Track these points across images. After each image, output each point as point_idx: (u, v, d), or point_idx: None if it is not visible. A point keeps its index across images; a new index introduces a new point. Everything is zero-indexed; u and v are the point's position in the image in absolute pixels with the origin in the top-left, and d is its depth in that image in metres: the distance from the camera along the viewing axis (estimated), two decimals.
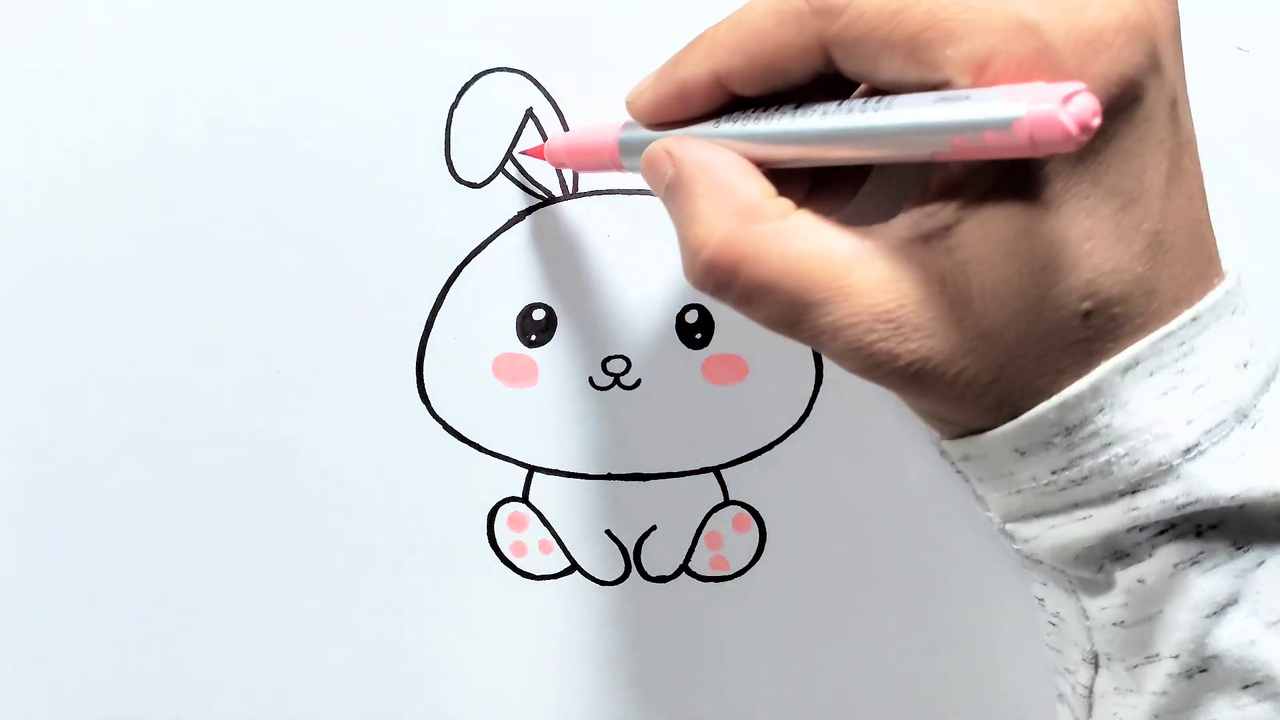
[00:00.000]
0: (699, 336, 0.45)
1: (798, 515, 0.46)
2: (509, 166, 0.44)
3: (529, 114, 0.43)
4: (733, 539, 0.47)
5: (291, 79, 0.43)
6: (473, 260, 0.44)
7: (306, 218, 0.44)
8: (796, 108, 0.33)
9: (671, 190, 0.34)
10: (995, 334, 0.31)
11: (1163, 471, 0.32)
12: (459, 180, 0.44)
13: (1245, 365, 0.33)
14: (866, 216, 0.34)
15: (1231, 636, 0.33)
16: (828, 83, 0.33)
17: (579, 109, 0.43)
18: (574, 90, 0.43)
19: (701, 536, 0.47)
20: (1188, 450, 0.32)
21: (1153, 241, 0.31)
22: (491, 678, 0.48)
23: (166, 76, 0.43)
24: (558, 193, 0.44)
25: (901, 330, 0.31)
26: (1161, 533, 0.33)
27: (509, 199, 0.44)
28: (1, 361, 0.46)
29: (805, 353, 0.45)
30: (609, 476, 0.46)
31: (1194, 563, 0.33)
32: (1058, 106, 0.27)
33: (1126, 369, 0.32)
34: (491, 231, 0.44)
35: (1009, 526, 0.36)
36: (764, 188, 0.33)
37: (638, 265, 0.44)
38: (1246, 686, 0.33)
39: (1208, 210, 0.34)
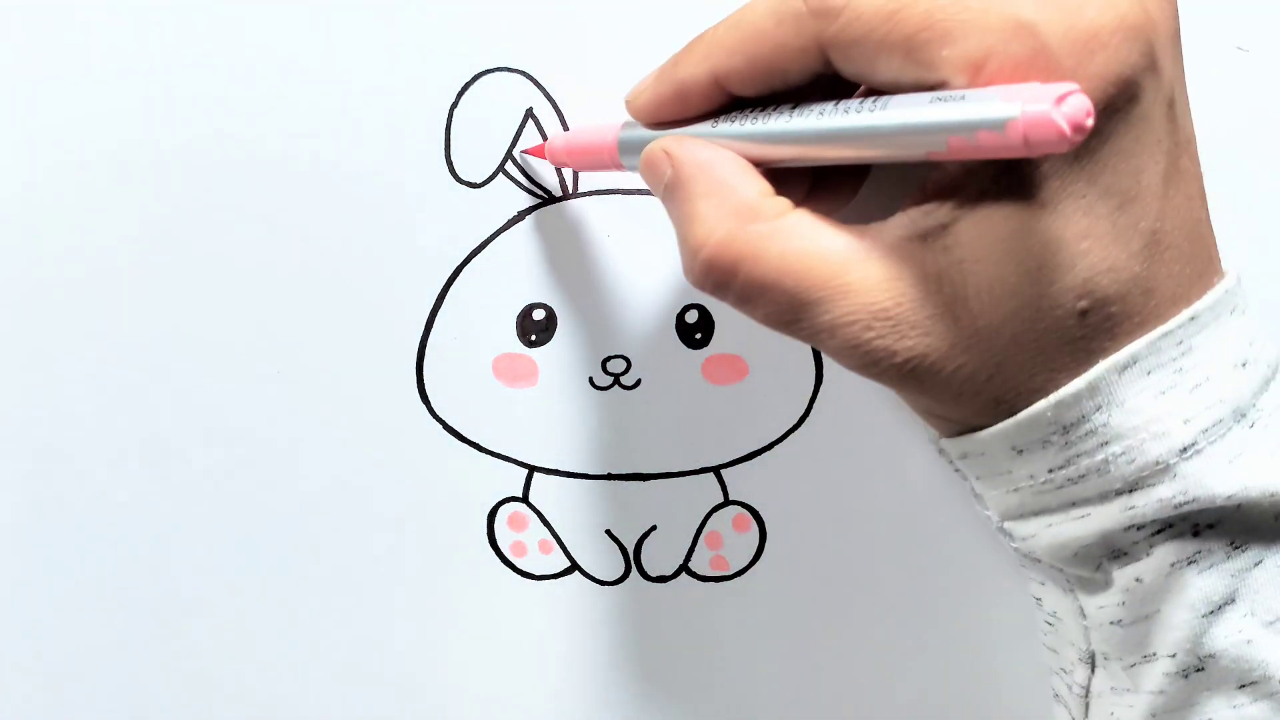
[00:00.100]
0: (699, 336, 0.45)
1: (798, 515, 0.46)
2: (509, 166, 0.44)
3: (529, 114, 0.43)
4: (733, 539, 0.47)
5: (291, 79, 0.43)
6: (473, 260, 0.44)
7: (306, 218, 0.44)
8: (794, 108, 0.33)
9: (670, 190, 0.35)
10: (992, 332, 0.31)
11: (1160, 470, 0.32)
12: (459, 180, 0.44)
13: (1244, 365, 0.33)
14: (866, 216, 0.34)
15: (1228, 636, 0.33)
16: (826, 83, 0.33)
17: (579, 109, 0.43)
18: (574, 90, 0.43)
19: (701, 536, 0.47)
20: (1185, 449, 0.32)
21: (1150, 241, 0.31)
22: (491, 678, 0.48)
23: (166, 76, 0.43)
24: (558, 193, 0.44)
25: (899, 328, 0.32)
26: (1159, 532, 0.33)
27: (509, 199, 0.44)
28: (3, 362, 0.46)
29: (805, 352, 0.45)
30: (609, 476, 0.46)
31: (1191, 562, 0.33)
32: (1051, 107, 0.27)
33: (1124, 368, 0.32)
34: (491, 231, 0.44)
35: (1007, 525, 0.36)
36: (762, 187, 0.33)
37: (638, 265, 0.44)
38: (1243, 686, 0.33)
39: (1207, 210, 0.34)
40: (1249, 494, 0.32)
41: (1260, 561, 0.33)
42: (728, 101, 0.35)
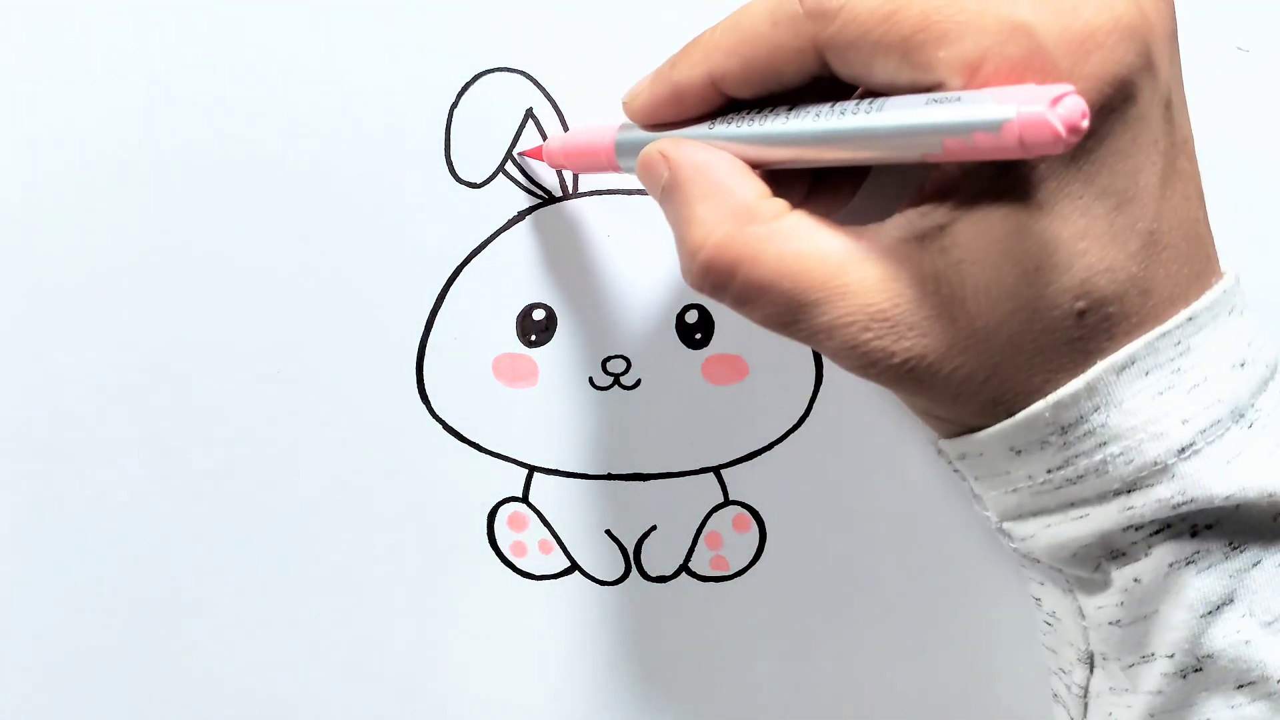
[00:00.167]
0: (699, 336, 0.45)
1: (798, 515, 0.46)
2: (509, 166, 0.44)
3: (529, 114, 0.43)
4: (733, 539, 0.47)
5: (291, 79, 0.43)
6: (473, 260, 0.44)
7: (306, 218, 0.44)
8: (790, 110, 0.33)
9: (667, 192, 0.35)
10: (989, 333, 0.31)
11: (1158, 471, 0.32)
12: (459, 180, 0.44)
13: (1242, 365, 0.33)
14: (865, 217, 0.34)
15: (1226, 636, 0.33)
16: (823, 86, 0.33)
17: (579, 109, 0.43)
18: (574, 90, 0.43)
19: (701, 536, 0.47)
20: (1183, 450, 0.32)
21: (1147, 241, 0.31)
22: (491, 678, 0.48)
23: (166, 77, 0.44)
24: (558, 193, 0.44)
25: (896, 329, 0.32)
26: (1157, 532, 0.33)
27: (509, 199, 0.44)
28: (3, 362, 0.46)
29: (805, 353, 0.45)
30: (609, 476, 0.46)
31: (1189, 562, 0.33)
32: (1046, 109, 0.27)
33: (1122, 368, 0.32)
34: (491, 231, 0.44)
35: (1006, 525, 0.36)
36: (759, 188, 0.33)
37: (638, 265, 0.44)
38: (1241, 686, 0.33)
39: (1205, 210, 0.34)
40: (1247, 494, 0.32)
41: (1258, 562, 0.33)
42: (724, 103, 0.35)
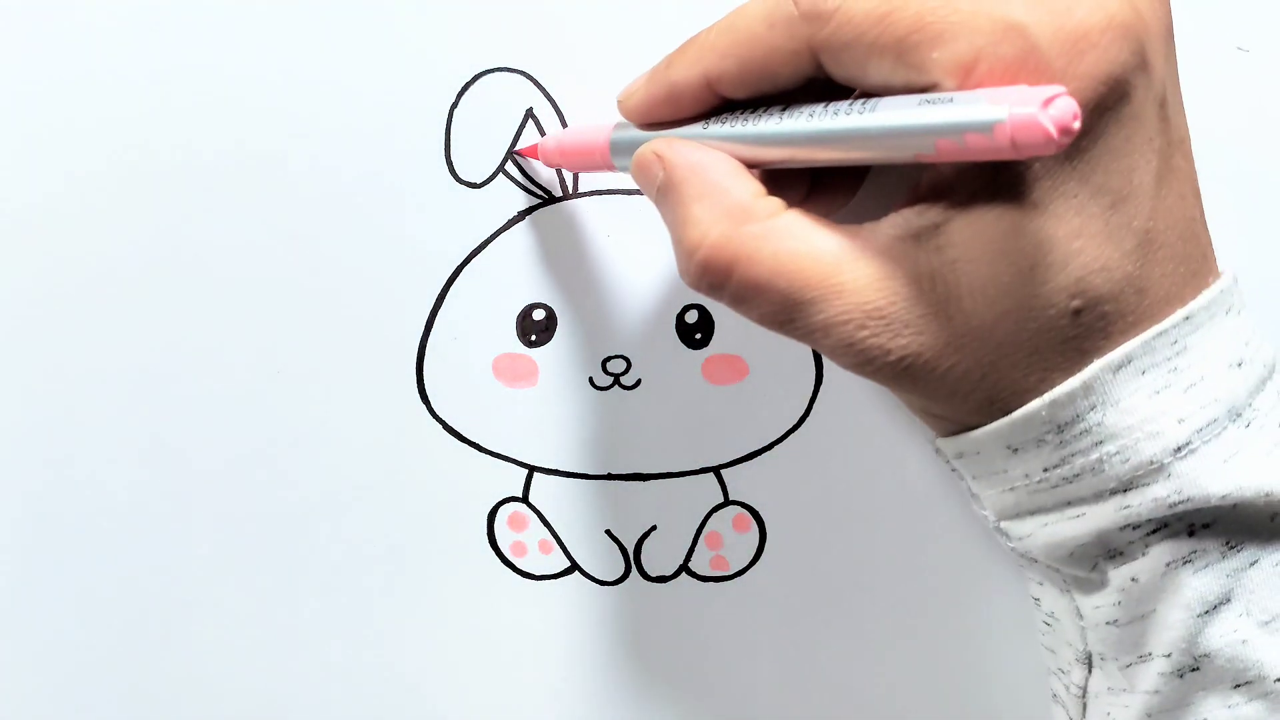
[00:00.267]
0: (699, 336, 0.45)
1: (798, 515, 0.46)
2: (509, 166, 0.44)
3: (529, 114, 0.43)
4: (733, 539, 0.47)
5: (291, 80, 0.43)
6: (473, 260, 0.44)
7: (306, 218, 0.44)
8: (784, 109, 0.33)
9: (663, 193, 0.35)
10: (985, 331, 0.31)
11: (1154, 470, 0.32)
12: (459, 180, 0.44)
13: (1240, 364, 0.33)
14: (864, 216, 0.34)
15: (1223, 636, 0.33)
16: (819, 87, 0.33)
17: (579, 109, 0.43)
18: (574, 90, 0.43)
19: (701, 536, 0.47)
20: (1179, 449, 0.32)
21: (1143, 240, 0.31)
22: (492, 678, 0.48)
23: (165, 78, 0.44)
24: (558, 193, 0.44)
25: (892, 326, 0.32)
26: (1154, 531, 0.33)
27: (509, 199, 0.44)
28: (4, 362, 0.46)
29: (805, 353, 0.45)
30: (609, 476, 0.46)
31: (1186, 562, 0.33)
32: (1038, 110, 0.27)
33: (1118, 367, 0.32)
34: (491, 231, 0.44)
35: (1003, 524, 0.36)
36: (754, 188, 0.33)
37: (638, 265, 0.44)
38: (1238, 685, 0.33)
39: (1201, 209, 0.34)
40: (1244, 494, 0.32)
41: (1255, 561, 0.33)
42: (719, 104, 0.35)
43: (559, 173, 0.44)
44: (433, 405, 0.46)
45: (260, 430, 0.46)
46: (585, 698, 0.48)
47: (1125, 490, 0.32)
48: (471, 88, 0.43)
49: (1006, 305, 0.31)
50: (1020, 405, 0.32)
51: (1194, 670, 0.33)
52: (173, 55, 0.43)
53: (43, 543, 0.48)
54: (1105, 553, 0.34)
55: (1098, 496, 0.33)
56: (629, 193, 0.44)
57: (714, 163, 0.34)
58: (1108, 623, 0.35)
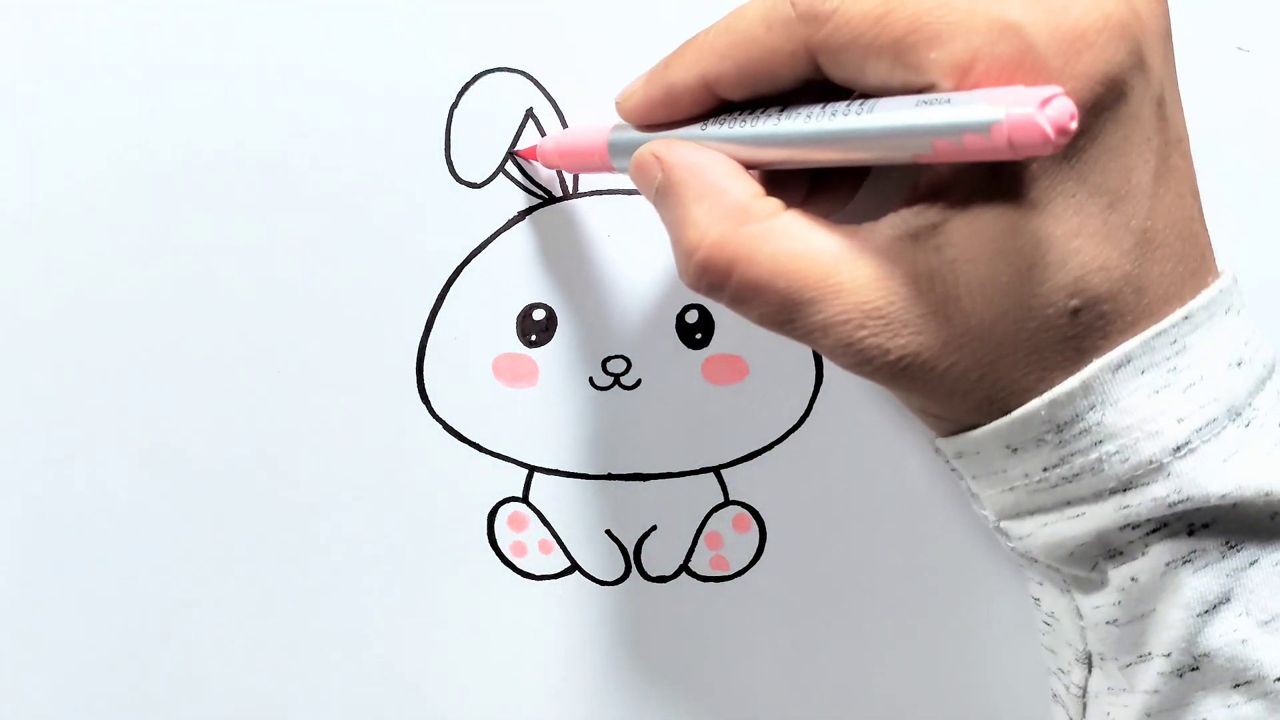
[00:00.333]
0: (699, 336, 0.45)
1: (798, 515, 0.46)
2: (509, 166, 0.44)
3: (529, 114, 0.43)
4: (733, 539, 0.47)
5: (291, 80, 0.43)
6: (473, 260, 0.44)
7: (306, 218, 0.44)
8: (782, 111, 0.33)
9: (661, 194, 0.35)
10: (983, 331, 0.31)
11: (1153, 469, 0.32)
12: (459, 180, 0.44)
13: (1239, 364, 0.33)
14: (864, 217, 0.34)
15: (1223, 635, 0.33)
16: (817, 88, 0.33)
17: (579, 109, 0.43)
18: (574, 90, 0.43)
19: (701, 536, 0.47)
20: (1178, 448, 0.32)
21: (1141, 239, 0.31)
22: (492, 678, 0.48)
23: (166, 77, 0.44)
24: (558, 193, 0.44)
25: (891, 326, 0.32)
26: (1153, 531, 0.33)
27: (509, 199, 0.44)
28: (4, 362, 0.46)
29: (805, 353, 0.45)
30: (609, 476, 0.46)
31: (1186, 561, 0.33)
32: (1036, 110, 0.27)
33: (1117, 367, 0.32)
34: (491, 231, 0.44)
35: (1003, 524, 0.36)
36: (752, 188, 0.33)
37: (638, 265, 0.44)
38: (1237, 685, 0.33)
39: (1200, 209, 0.34)
40: (1243, 493, 0.32)
41: (1255, 561, 0.33)
42: (717, 105, 0.35)
43: (559, 173, 0.44)
44: (433, 405, 0.46)
45: (260, 430, 0.46)
46: (585, 698, 0.48)
47: (1125, 490, 0.32)
48: (471, 88, 0.43)
49: (1005, 305, 0.31)
50: (1019, 405, 0.32)
51: (1193, 670, 0.33)
52: (173, 55, 0.44)
53: (43, 543, 0.48)
54: (1105, 552, 0.34)
55: (1097, 496, 0.33)
56: (629, 193, 0.44)
57: (712, 163, 0.34)
58: (1107, 622, 0.35)
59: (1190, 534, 0.33)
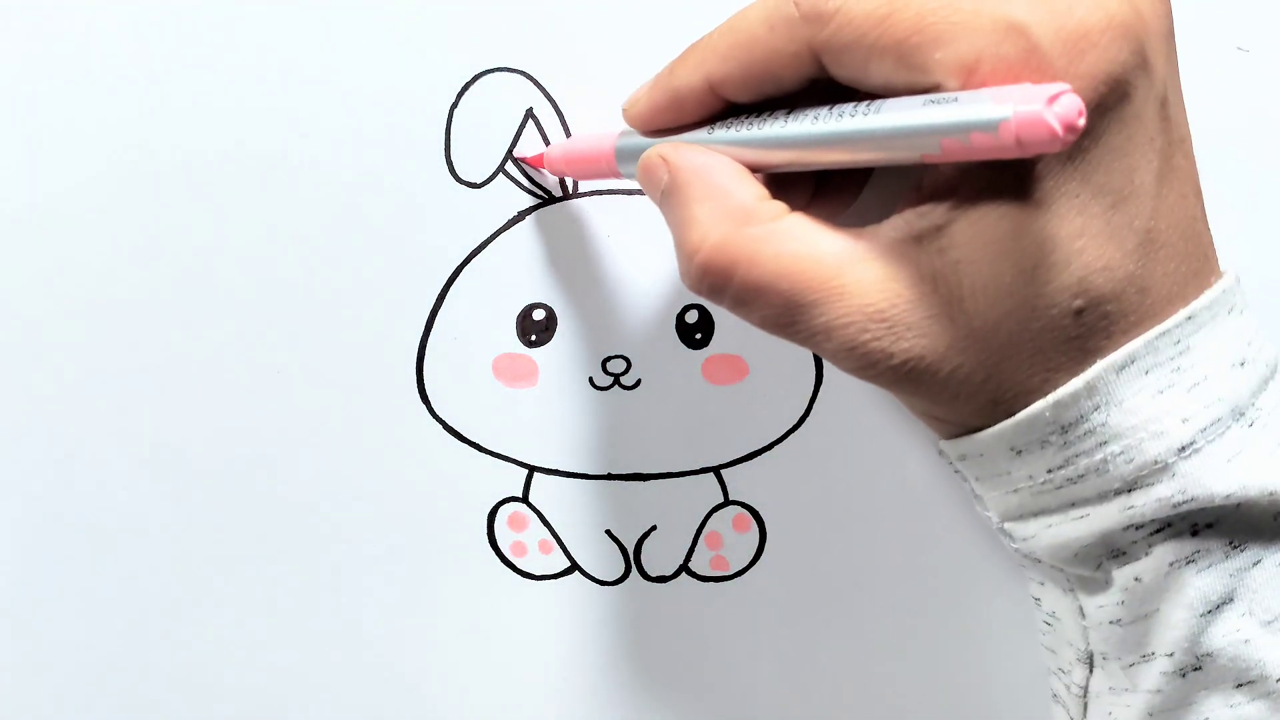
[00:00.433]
0: (699, 336, 0.45)
1: (798, 515, 0.46)
2: (509, 166, 0.44)
3: (529, 114, 0.43)
4: (733, 539, 0.47)
5: (291, 80, 0.43)
6: (473, 260, 0.44)
7: (306, 218, 0.44)
8: (789, 113, 0.33)
9: (667, 195, 0.35)
10: (988, 332, 0.31)
11: (1158, 470, 0.32)
12: (459, 180, 0.44)
13: (1242, 364, 0.33)
14: (867, 219, 0.34)
15: (1226, 635, 0.33)
16: (822, 88, 0.33)
17: (579, 109, 0.43)
18: (574, 90, 0.43)
19: (701, 536, 0.47)
20: (1183, 448, 0.32)
21: (1144, 239, 0.31)
22: (492, 678, 0.48)
23: (166, 77, 0.44)
24: (558, 193, 0.44)
25: (895, 329, 0.32)
26: (1157, 531, 0.33)
27: (509, 199, 0.44)
28: (4, 362, 0.46)
29: (805, 352, 0.45)
30: (609, 476, 0.46)
31: (1189, 561, 0.33)
32: (1043, 107, 0.27)
33: (1122, 367, 0.32)
34: (491, 231, 0.44)
35: (1007, 525, 0.36)
36: (757, 191, 0.33)
37: (638, 265, 0.44)
38: (1240, 685, 0.33)
39: (1203, 209, 0.34)
40: (1247, 493, 0.32)
41: (1259, 561, 0.33)
42: (724, 108, 0.35)
43: None
44: (433, 405, 0.46)
45: (260, 430, 0.46)
46: (585, 698, 0.48)
47: (1130, 490, 0.32)
48: (471, 88, 0.43)
49: (1009, 306, 0.31)
50: (1024, 406, 0.32)
51: (1196, 669, 0.33)
52: (173, 55, 0.43)
53: (43, 543, 0.48)
54: (1109, 553, 0.34)
55: (1102, 497, 0.33)
56: (629, 193, 0.44)
57: (718, 166, 0.34)
58: (1111, 622, 0.35)
59: (1194, 534, 0.33)
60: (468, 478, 0.46)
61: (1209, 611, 0.33)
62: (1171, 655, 0.33)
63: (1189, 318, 0.32)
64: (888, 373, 0.32)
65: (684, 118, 0.36)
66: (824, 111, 0.32)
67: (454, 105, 0.43)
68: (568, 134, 0.43)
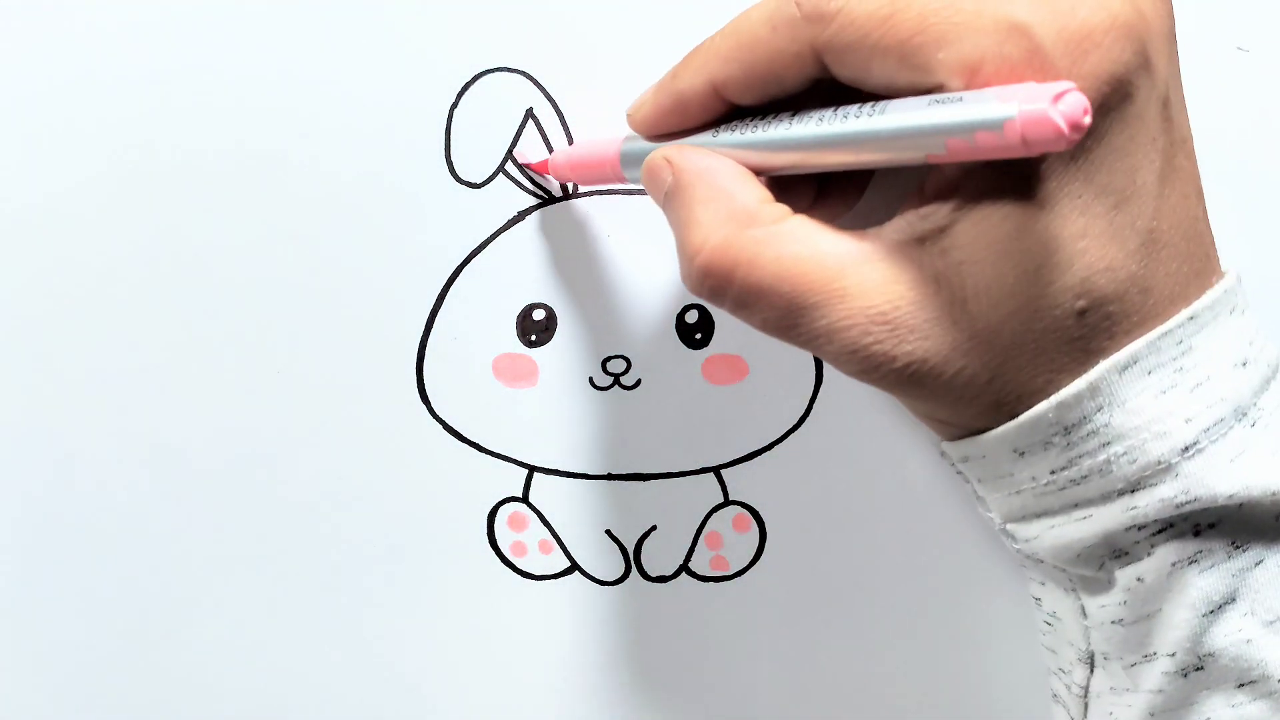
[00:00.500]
0: (699, 336, 0.45)
1: (798, 515, 0.46)
2: (509, 166, 0.44)
3: (529, 114, 0.43)
4: (733, 539, 0.47)
5: (291, 80, 0.43)
6: (473, 260, 0.44)
7: (306, 218, 0.44)
8: (793, 115, 0.33)
9: (670, 197, 0.35)
10: (991, 334, 0.31)
11: (1161, 470, 0.32)
12: (459, 180, 0.44)
13: (1244, 364, 0.33)
14: (869, 221, 0.34)
15: (1228, 635, 0.33)
16: (826, 89, 0.33)
17: (579, 109, 0.43)
18: (574, 90, 0.43)
19: (701, 536, 0.47)
20: (1186, 449, 0.32)
21: (1147, 239, 0.31)
22: (492, 678, 0.48)
23: (166, 77, 0.44)
24: (558, 193, 0.44)
25: (897, 332, 0.32)
26: (1160, 531, 0.33)
27: (509, 199, 0.44)
28: (4, 362, 0.46)
29: (805, 353, 0.44)
30: (609, 476, 0.46)
31: (1192, 562, 0.33)
32: (1049, 105, 0.27)
33: (1124, 367, 0.32)
34: (491, 231, 0.44)
35: (1009, 527, 0.36)
36: (760, 193, 0.33)
37: (638, 265, 0.44)
38: (1242, 685, 0.33)
39: (1204, 209, 0.34)
40: (1250, 493, 0.32)
41: (1261, 561, 0.33)
42: (728, 111, 0.35)
43: None
44: (433, 405, 0.46)
45: (260, 430, 0.46)
46: (585, 698, 0.48)
47: (1132, 491, 0.32)
48: (471, 88, 0.43)
49: (1012, 307, 0.31)
50: (1027, 408, 0.32)
51: (1198, 669, 0.33)
52: (173, 55, 0.43)
53: (43, 543, 0.48)
54: (1111, 553, 0.34)
55: (1105, 498, 0.33)
56: (629, 193, 0.44)
57: (721, 168, 0.34)
58: (1113, 622, 0.35)
59: (1196, 534, 0.33)
60: (468, 478, 0.46)
61: (1211, 611, 0.33)
62: (1173, 655, 0.33)
63: (1191, 318, 0.32)
64: (890, 376, 0.32)
65: (688, 121, 0.36)
66: (828, 113, 0.32)
67: (454, 105, 0.43)
68: (568, 134, 0.43)
